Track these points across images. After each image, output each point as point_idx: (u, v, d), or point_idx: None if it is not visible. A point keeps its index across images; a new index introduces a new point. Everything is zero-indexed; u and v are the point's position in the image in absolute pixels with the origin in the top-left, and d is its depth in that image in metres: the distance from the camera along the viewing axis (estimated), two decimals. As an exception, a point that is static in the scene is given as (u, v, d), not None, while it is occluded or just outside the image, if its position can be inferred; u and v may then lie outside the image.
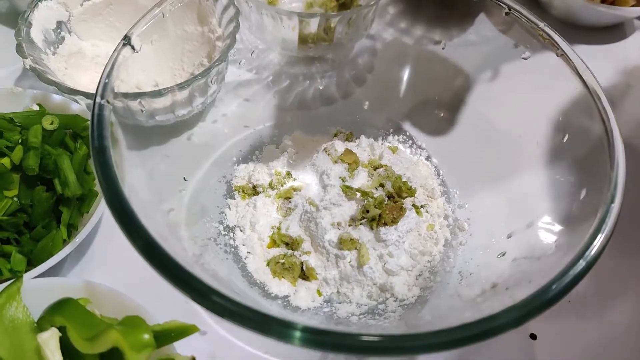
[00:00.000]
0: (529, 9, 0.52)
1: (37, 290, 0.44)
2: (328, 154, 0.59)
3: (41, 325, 0.42)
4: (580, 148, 0.46)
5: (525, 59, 0.53)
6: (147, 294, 0.45)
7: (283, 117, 0.66)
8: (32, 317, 0.43)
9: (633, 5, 0.80)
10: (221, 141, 0.63)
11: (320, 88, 0.70)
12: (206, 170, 0.59)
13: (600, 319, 0.53)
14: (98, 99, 0.40)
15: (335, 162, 0.57)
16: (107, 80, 0.42)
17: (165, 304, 0.45)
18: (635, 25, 0.90)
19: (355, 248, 0.51)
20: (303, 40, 0.70)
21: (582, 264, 0.34)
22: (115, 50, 0.44)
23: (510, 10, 0.52)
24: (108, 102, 0.40)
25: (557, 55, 0.48)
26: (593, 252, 0.35)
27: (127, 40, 0.45)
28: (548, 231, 0.44)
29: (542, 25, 0.49)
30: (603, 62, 0.83)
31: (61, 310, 0.42)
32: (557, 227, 0.43)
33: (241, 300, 0.32)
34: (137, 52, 0.46)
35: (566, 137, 0.49)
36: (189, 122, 0.62)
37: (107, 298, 0.45)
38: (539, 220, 0.46)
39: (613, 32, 0.88)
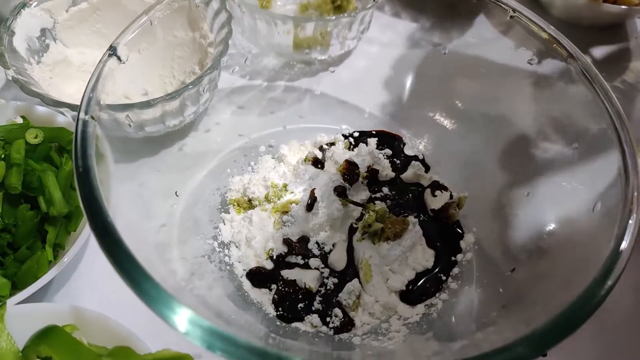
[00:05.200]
0: (529, 8, 0.50)
1: (21, 316, 0.42)
2: (327, 165, 0.56)
3: (26, 354, 0.40)
4: (592, 157, 0.44)
5: (531, 64, 0.50)
6: (138, 317, 0.42)
7: (279, 125, 0.64)
8: (17, 345, 0.41)
9: (637, 4, 0.78)
10: (215, 151, 0.60)
11: (317, 94, 0.68)
12: (199, 183, 0.57)
13: (615, 333, 0.51)
14: (82, 115, 0.38)
15: (335, 174, 0.55)
16: (91, 95, 0.39)
17: (158, 327, 0.42)
18: (638, 24, 0.88)
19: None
20: (298, 44, 0.68)
21: (600, 288, 0.32)
22: (100, 61, 0.41)
23: (515, 12, 0.50)
24: (93, 118, 0.38)
25: (565, 61, 0.46)
26: (613, 273, 0.33)
27: (112, 51, 0.42)
28: (561, 246, 0.41)
29: (549, 29, 0.47)
30: (605, 63, 0.82)
31: (47, 339, 0.40)
32: (571, 242, 0.41)
33: (232, 333, 0.30)
34: (123, 63, 0.43)
35: (576, 145, 0.47)
36: (181, 132, 0.59)
37: (95, 324, 0.42)
38: (550, 233, 0.44)
39: (615, 31, 0.86)
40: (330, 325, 0.47)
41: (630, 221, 0.35)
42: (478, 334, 0.38)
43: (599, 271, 0.33)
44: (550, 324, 0.30)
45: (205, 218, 0.54)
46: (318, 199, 0.52)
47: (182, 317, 0.31)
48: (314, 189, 0.52)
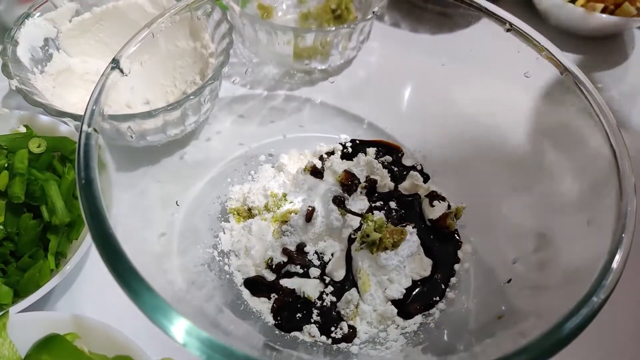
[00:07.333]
0: (527, 19, 0.51)
1: (23, 324, 0.43)
2: (326, 175, 0.57)
3: (28, 363, 0.41)
4: (588, 169, 0.45)
5: (527, 76, 0.51)
6: (139, 326, 0.43)
7: (279, 134, 0.65)
8: (19, 353, 0.41)
9: (634, 15, 0.79)
10: (215, 160, 0.61)
11: (317, 103, 0.68)
12: (199, 192, 0.58)
13: (611, 343, 0.52)
14: (85, 127, 0.38)
15: (334, 184, 0.55)
16: (94, 107, 0.40)
17: (159, 336, 0.43)
18: (635, 35, 0.88)
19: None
20: (298, 54, 0.69)
21: (594, 300, 0.32)
22: (103, 74, 0.42)
23: (511, 27, 0.51)
24: (95, 130, 0.39)
25: (561, 74, 0.47)
26: (606, 285, 0.33)
27: (115, 64, 0.43)
28: (556, 258, 0.42)
29: (545, 43, 0.48)
30: (602, 73, 0.82)
31: (48, 348, 0.40)
32: (566, 254, 0.41)
33: (230, 344, 0.30)
34: (126, 75, 0.44)
35: (572, 156, 0.47)
36: (182, 141, 0.60)
37: (96, 332, 0.43)
38: (546, 245, 0.44)
39: (613, 41, 0.87)
40: (333, 335, 0.47)
41: (623, 235, 0.36)
42: (476, 346, 0.39)
43: (592, 283, 0.33)
44: (545, 337, 0.31)
45: (205, 227, 0.55)
46: (316, 211, 0.53)
47: (180, 328, 0.31)
48: (309, 208, 0.53)
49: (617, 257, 0.34)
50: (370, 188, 0.57)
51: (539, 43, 0.48)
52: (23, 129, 0.55)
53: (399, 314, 0.48)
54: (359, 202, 0.55)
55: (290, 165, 0.60)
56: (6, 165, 0.50)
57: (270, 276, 0.51)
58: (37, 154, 0.53)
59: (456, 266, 0.52)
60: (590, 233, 0.40)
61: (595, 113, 0.43)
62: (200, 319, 0.37)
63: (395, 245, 0.50)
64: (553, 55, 0.47)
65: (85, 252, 0.49)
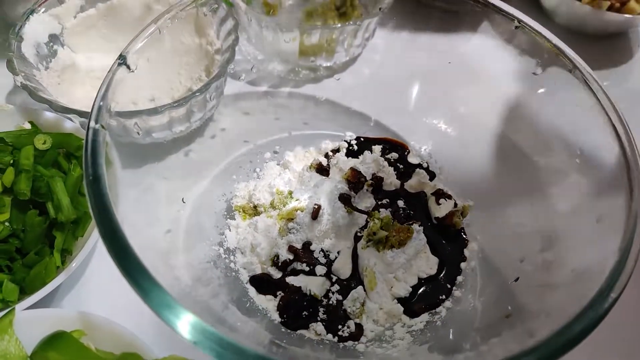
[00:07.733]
0: (533, 17, 0.51)
1: (29, 321, 0.43)
2: (332, 173, 0.57)
3: (34, 360, 0.41)
4: (597, 167, 0.44)
5: (535, 74, 0.51)
6: (145, 323, 0.44)
7: (284, 131, 0.64)
8: (25, 351, 0.41)
9: (640, 13, 0.78)
10: (220, 157, 0.61)
11: (322, 100, 0.68)
12: (205, 189, 0.57)
13: (619, 339, 0.51)
14: (92, 124, 0.38)
15: (340, 181, 0.55)
16: (101, 103, 0.40)
17: (165, 333, 0.43)
18: (641, 33, 0.88)
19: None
20: (304, 51, 0.69)
21: (606, 299, 0.32)
22: (110, 70, 0.42)
23: (520, 23, 0.50)
24: (103, 127, 0.38)
25: (570, 72, 0.47)
26: (617, 285, 0.33)
27: (122, 60, 0.43)
28: (565, 257, 0.42)
29: (553, 40, 0.48)
30: (609, 71, 0.82)
31: (55, 345, 0.40)
32: (575, 253, 0.41)
33: (238, 341, 0.30)
34: (132, 71, 0.44)
35: (580, 154, 0.47)
36: (187, 138, 0.60)
37: (102, 329, 0.43)
38: (554, 244, 0.44)
39: (619, 39, 0.87)
40: (339, 333, 0.47)
41: (634, 234, 0.35)
42: (483, 346, 0.38)
43: (603, 283, 0.33)
44: (554, 337, 0.31)
45: (211, 224, 0.55)
46: (322, 209, 0.52)
47: (188, 324, 0.31)
48: (315, 206, 0.53)
49: (629, 256, 0.34)
50: (377, 186, 0.57)
51: (548, 40, 0.48)
52: (28, 126, 0.55)
53: (405, 312, 0.48)
54: (365, 200, 0.55)
55: (295, 162, 0.59)
56: (12, 161, 0.50)
57: (276, 274, 0.51)
58: (43, 150, 0.52)
59: (462, 264, 0.52)
60: (599, 232, 0.40)
61: (604, 111, 0.43)
62: (206, 316, 0.37)
63: (401, 244, 0.50)
64: (562, 52, 0.47)
65: (91, 249, 0.49)
